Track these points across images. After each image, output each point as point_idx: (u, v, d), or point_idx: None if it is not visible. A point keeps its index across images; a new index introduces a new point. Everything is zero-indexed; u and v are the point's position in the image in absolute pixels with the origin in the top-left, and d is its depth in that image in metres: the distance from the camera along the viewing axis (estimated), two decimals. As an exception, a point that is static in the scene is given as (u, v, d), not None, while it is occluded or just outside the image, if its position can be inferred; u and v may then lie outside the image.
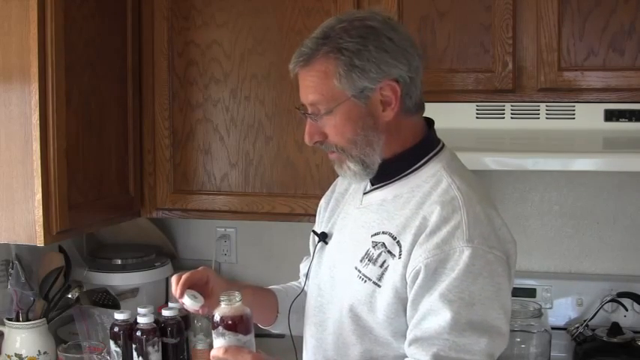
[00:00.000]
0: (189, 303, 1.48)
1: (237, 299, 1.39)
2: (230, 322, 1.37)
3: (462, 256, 1.34)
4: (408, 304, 1.39)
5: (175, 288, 1.49)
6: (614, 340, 2.27)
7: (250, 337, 1.39)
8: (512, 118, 2.11)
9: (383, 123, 1.46)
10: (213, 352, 1.38)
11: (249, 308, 1.41)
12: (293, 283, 1.79)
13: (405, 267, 1.40)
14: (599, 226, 2.46)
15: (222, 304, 1.39)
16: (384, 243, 1.45)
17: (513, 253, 1.45)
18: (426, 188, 1.46)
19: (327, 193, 1.73)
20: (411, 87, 1.45)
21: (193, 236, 2.73)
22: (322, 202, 1.73)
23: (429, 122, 1.55)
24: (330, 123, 1.45)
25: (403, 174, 1.49)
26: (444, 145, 1.54)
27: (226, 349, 1.36)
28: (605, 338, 2.27)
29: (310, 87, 1.46)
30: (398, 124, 1.47)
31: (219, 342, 1.38)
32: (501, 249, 1.39)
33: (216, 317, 1.38)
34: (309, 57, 1.44)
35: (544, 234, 2.49)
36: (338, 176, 1.74)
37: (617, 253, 2.45)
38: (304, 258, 1.79)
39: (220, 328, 1.37)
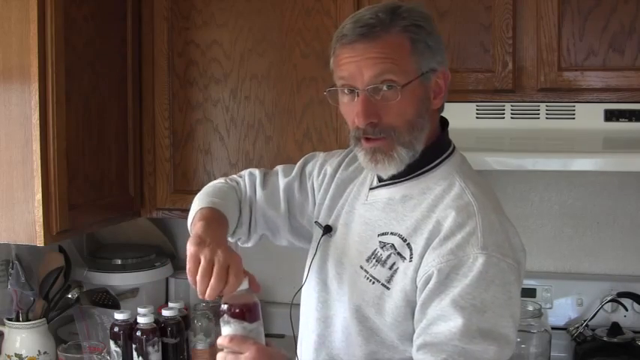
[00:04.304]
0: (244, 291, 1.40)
1: (243, 287, 1.37)
2: (236, 310, 1.36)
3: (475, 263, 1.33)
4: (417, 307, 1.38)
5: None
6: (614, 340, 2.26)
7: (256, 326, 1.37)
8: (512, 118, 2.11)
9: (432, 111, 1.45)
10: (219, 340, 1.37)
11: (255, 296, 1.39)
12: (232, 197, 1.67)
13: (416, 271, 1.39)
14: (599, 226, 2.46)
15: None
16: (393, 244, 1.44)
17: (524, 261, 1.44)
18: (437, 191, 1.44)
19: (334, 164, 1.65)
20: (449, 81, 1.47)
21: (193, 236, 2.73)
22: (328, 169, 1.66)
23: (443, 123, 1.53)
24: (394, 101, 1.38)
25: (414, 174, 1.47)
26: (455, 147, 1.52)
27: (231, 338, 1.35)
28: (605, 338, 2.27)
29: (384, 59, 1.37)
30: (434, 117, 1.47)
31: (226, 330, 1.37)
32: (514, 257, 1.39)
33: (223, 305, 1.38)
34: (383, 29, 1.37)
35: (544, 234, 2.49)
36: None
37: (617, 253, 2.45)
38: (282, 171, 1.72)
39: (226, 316, 1.37)
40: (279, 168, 1.74)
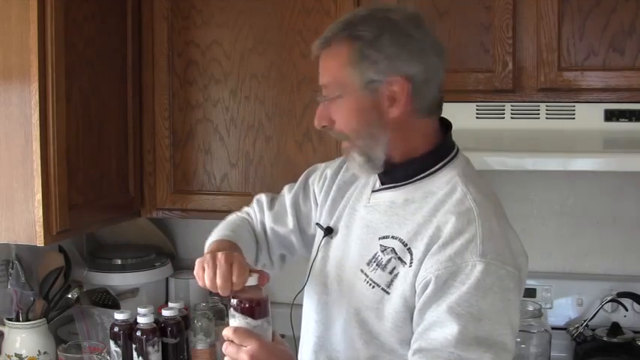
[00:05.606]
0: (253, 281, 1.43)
1: (252, 282, 1.39)
2: (245, 305, 1.38)
3: (473, 270, 1.33)
4: (415, 312, 1.38)
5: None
6: (614, 340, 2.27)
7: (261, 322, 1.39)
8: (512, 118, 2.11)
9: (389, 119, 1.43)
10: (224, 331, 1.39)
11: (263, 293, 1.41)
12: (244, 227, 1.73)
13: (415, 276, 1.38)
14: (599, 226, 2.46)
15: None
16: (393, 249, 1.43)
17: (525, 266, 1.43)
18: (439, 195, 1.44)
19: (334, 167, 1.68)
20: (423, 88, 1.42)
21: (193, 236, 2.73)
22: (328, 172, 1.68)
23: (446, 124, 1.52)
24: (338, 110, 1.45)
25: (416, 178, 1.46)
26: (459, 150, 1.51)
27: (235, 330, 1.37)
28: (605, 338, 2.27)
29: (325, 69, 1.46)
30: (406, 124, 1.45)
31: (232, 323, 1.40)
32: (513, 264, 1.38)
33: (232, 299, 1.40)
34: (327, 40, 1.45)
35: (544, 234, 2.49)
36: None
37: (617, 253, 2.45)
38: (287, 188, 1.76)
39: (231, 309, 1.39)
40: (285, 187, 1.78)
